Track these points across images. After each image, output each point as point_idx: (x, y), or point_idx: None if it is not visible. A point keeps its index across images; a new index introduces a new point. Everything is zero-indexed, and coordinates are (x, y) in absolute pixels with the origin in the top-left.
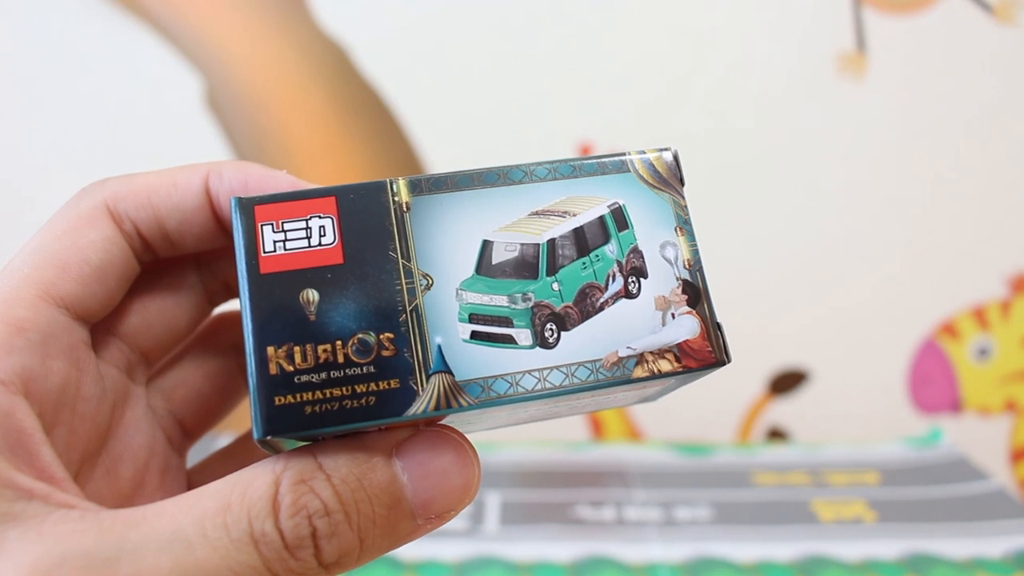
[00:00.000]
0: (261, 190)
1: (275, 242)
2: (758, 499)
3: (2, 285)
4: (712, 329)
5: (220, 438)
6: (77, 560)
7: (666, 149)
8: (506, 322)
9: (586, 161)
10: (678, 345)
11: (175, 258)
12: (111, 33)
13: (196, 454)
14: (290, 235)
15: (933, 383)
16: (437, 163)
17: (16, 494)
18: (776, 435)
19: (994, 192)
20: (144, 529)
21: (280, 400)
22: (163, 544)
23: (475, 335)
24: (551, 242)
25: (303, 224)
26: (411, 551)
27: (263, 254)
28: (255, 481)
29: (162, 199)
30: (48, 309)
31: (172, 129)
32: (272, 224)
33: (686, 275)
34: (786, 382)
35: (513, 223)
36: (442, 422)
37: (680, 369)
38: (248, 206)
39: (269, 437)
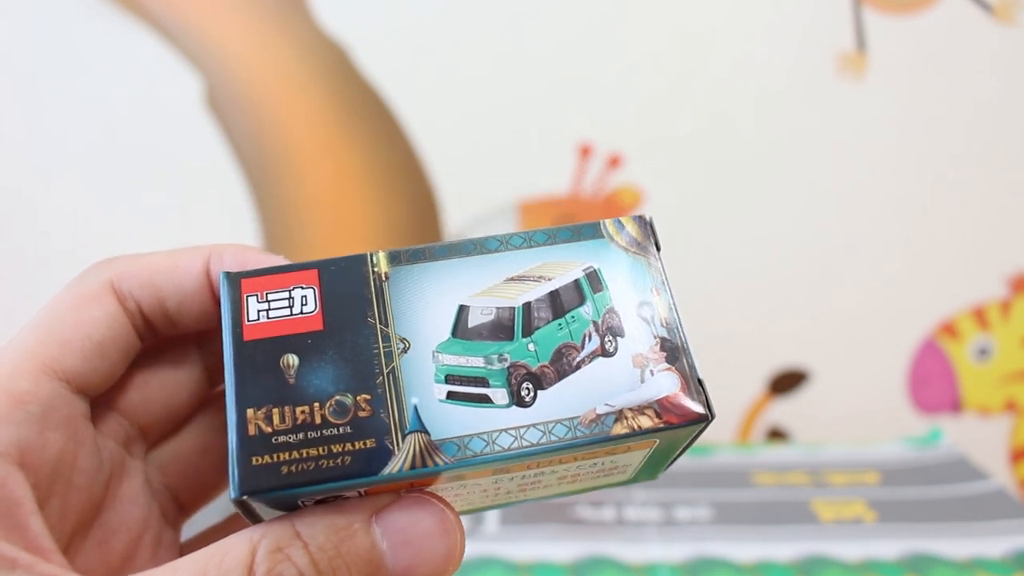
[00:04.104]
0: None
1: (259, 311)
2: (758, 499)
3: (6, 358)
4: (693, 384)
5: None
6: None
7: (640, 216)
8: (482, 382)
9: (561, 229)
10: (658, 401)
11: (177, 336)
12: (111, 33)
13: (192, 527)
14: (273, 304)
15: (933, 383)
16: (437, 163)
17: (2, 563)
18: (776, 435)
19: (994, 192)
20: None
21: (257, 460)
22: None
23: (451, 395)
24: (526, 305)
25: (286, 294)
26: None
27: (247, 323)
28: (232, 551)
29: (164, 279)
30: (49, 382)
31: (172, 129)
32: (257, 295)
33: (664, 333)
34: (786, 382)
35: (489, 288)
36: (434, 501)
37: (661, 425)
38: (235, 279)
39: (246, 496)
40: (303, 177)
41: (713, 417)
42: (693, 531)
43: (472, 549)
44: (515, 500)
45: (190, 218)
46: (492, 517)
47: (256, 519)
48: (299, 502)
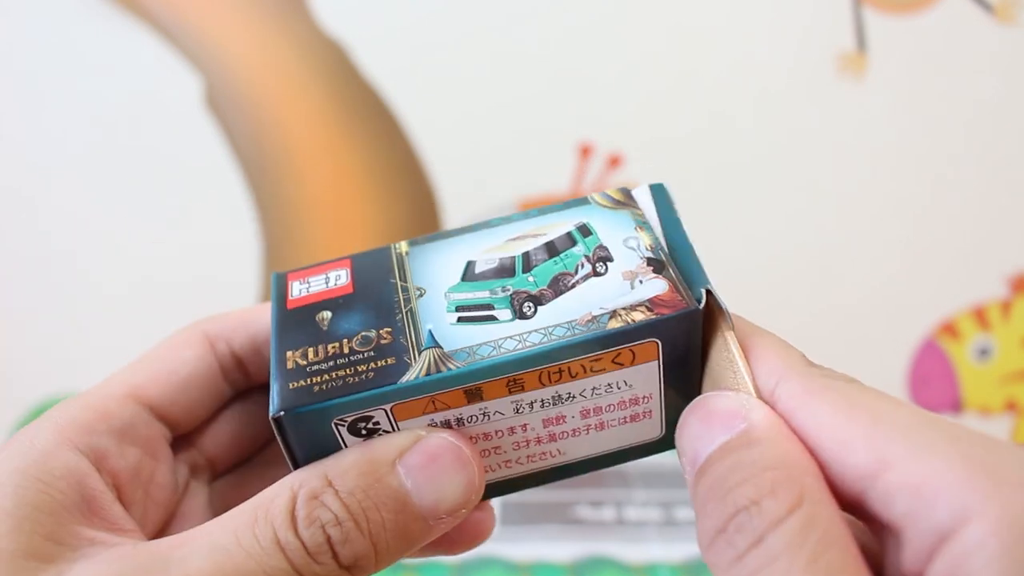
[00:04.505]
0: None
1: (300, 289)
2: None
3: (104, 384)
4: (680, 284)
5: None
6: (134, 572)
7: (624, 188)
8: (488, 307)
9: (554, 204)
10: (649, 299)
11: (265, 385)
12: (111, 33)
13: None
14: (312, 283)
15: (933, 383)
16: (437, 162)
17: (81, 542)
18: None
19: (994, 192)
20: (188, 546)
21: (294, 385)
22: (205, 554)
23: (461, 319)
24: (525, 253)
25: (323, 276)
26: None
27: (290, 298)
28: (276, 499)
29: (257, 320)
30: (132, 406)
31: (172, 129)
32: (299, 280)
33: (649, 254)
34: None
35: (493, 247)
36: (450, 438)
37: (654, 317)
38: (283, 276)
39: (282, 413)
40: (303, 177)
41: (701, 304)
42: (693, 531)
43: (472, 549)
44: (548, 463)
45: (190, 218)
46: None
47: (291, 452)
48: (332, 425)
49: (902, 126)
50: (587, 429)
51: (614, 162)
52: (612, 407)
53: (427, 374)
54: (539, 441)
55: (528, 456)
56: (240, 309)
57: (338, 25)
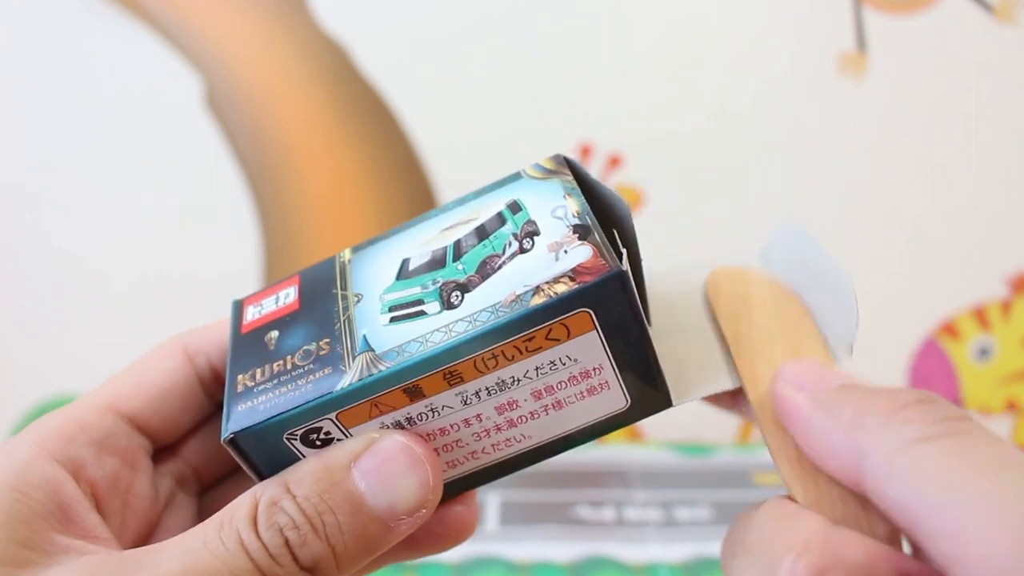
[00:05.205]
0: None
1: (254, 313)
2: (758, 499)
3: (84, 398)
4: (604, 248)
5: None
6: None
7: (557, 155)
8: (418, 303)
9: (488, 184)
10: (573, 269)
11: None
12: (111, 33)
13: None
14: (264, 305)
15: (934, 383)
16: (437, 162)
17: (56, 549)
18: None
19: (994, 192)
20: (159, 552)
21: (243, 407)
22: (175, 556)
23: (394, 319)
24: (457, 242)
25: (275, 297)
26: None
27: (244, 323)
28: (241, 506)
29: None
30: (111, 417)
31: (172, 129)
32: (253, 304)
33: (576, 221)
34: None
35: (428, 240)
36: (401, 438)
37: (576, 287)
38: (239, 303)
39: (233, 435)
40: (303, 177)
41: (624, 266)
42: (693, 531)
43: (472, 549)
44: (517, 448)
45: (190, 218)
46: (492, 517)
47: (255, 469)
48: (285, 440)
49: (902, 126)
50: (545, 410)
51: (614, 162)
52: (563, 384)
53: (360, 379)
54: (499, 429)
55: (493, 445)
56: (218, 323)
57: (338, 25)
